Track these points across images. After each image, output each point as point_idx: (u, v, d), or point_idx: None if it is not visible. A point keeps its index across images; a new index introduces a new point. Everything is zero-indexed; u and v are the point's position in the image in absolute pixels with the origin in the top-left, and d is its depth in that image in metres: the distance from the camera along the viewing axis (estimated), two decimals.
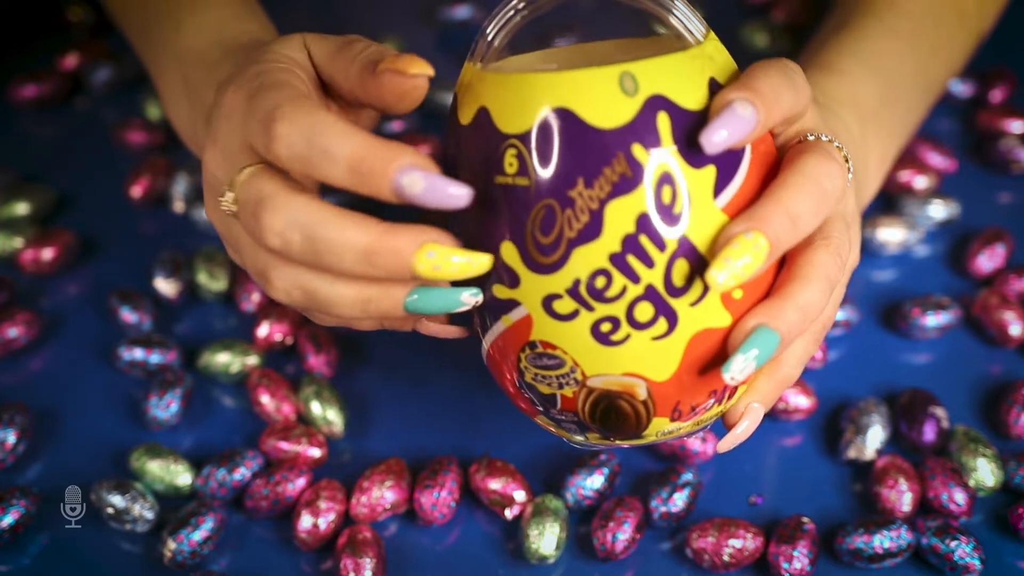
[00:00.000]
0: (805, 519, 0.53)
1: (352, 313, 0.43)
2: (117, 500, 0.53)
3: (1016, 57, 0.76)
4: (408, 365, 0.61)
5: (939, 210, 0.67)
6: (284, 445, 0.56)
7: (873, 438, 0.56)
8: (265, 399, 0.58)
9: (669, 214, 0.41)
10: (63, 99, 0.76)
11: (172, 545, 0.52)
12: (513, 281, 0.43)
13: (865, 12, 0.60)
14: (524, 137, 0.42)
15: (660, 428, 0.45)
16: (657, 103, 0.41)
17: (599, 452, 0.54)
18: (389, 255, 0.41)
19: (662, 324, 0.42)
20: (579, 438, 0.47)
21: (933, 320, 0.61)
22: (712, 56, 0.44)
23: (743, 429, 0.46)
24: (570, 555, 0.54)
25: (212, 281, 0.63)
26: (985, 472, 0.55)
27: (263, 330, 0.61)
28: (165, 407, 0.58)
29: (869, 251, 0.66)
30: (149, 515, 0.54)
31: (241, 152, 0.44)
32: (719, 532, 0.52)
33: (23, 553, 0.54)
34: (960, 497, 0.54)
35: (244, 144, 0.44)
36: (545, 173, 0.42)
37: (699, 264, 0.42)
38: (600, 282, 0.42)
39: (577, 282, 0.42)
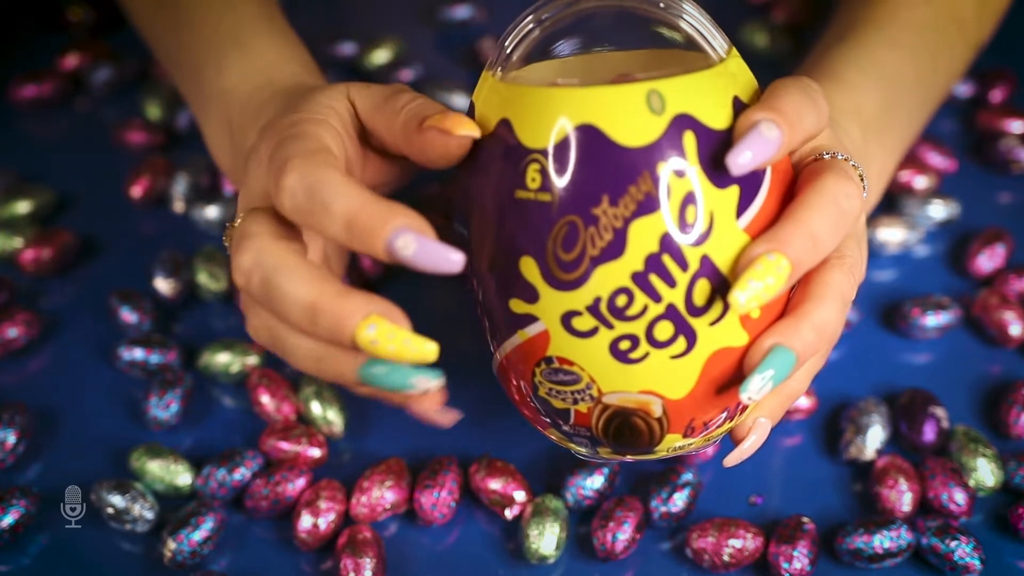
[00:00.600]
0: (805, 519, 0.53)
1: (306, 367, 0.44)
2: (117, 500, 0.53)
3: (1016, 57, 0.76)
4: None
5: (939, 210, 0.67)
6: (284, 445, 0.56)
7: (873, 438, 0.56)
8: (265, 399, 0.58)
9: (692, 234, 0.41)
10: (63, 99, 0.76)
11: (172, 545, 0.52)
12: (532, 296, 0.43)
13: (866, 22, 0.60)
14: (548, 152, 0.42)
15: (672, 444, 0.46)
16: (683, 122, 0.41)
17: (602, 464, 0.54)
18: (330, 318, 0.41)
19: (681, 343, 0.42)
20: (585, 451, 0.47)
21: (933, 320, 0.61)
22: (735, 74, 0.44)
23: (750, 444, 0.47)
24: (570, 555, 0.54)
25: (212, 281, 0.63)
26: (985, 472, 0.55)
27: None
28: (165, 407, 0.58)
29: (869, 251, 0.66)
30: (149, 515, 0.54)
31: (261, 198, 0.46)
32: (719, 532, 0.52)
33: (23, 553, 0.54)
34: (960, 497, 0.54)
35: (264, 191, 0.45)
36: (569, 190, 0.41)
37: (720, 284, 0.42)
38: (621, 300, 0.42)
39: (598, 300, 0.42)
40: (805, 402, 0.58)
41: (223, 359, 0.60)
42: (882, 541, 0.52)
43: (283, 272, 0.42)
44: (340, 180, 0.42)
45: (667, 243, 0.41)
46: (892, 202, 0.68)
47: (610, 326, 0.42)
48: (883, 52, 0.59)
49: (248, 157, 0.47)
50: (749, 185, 0.42)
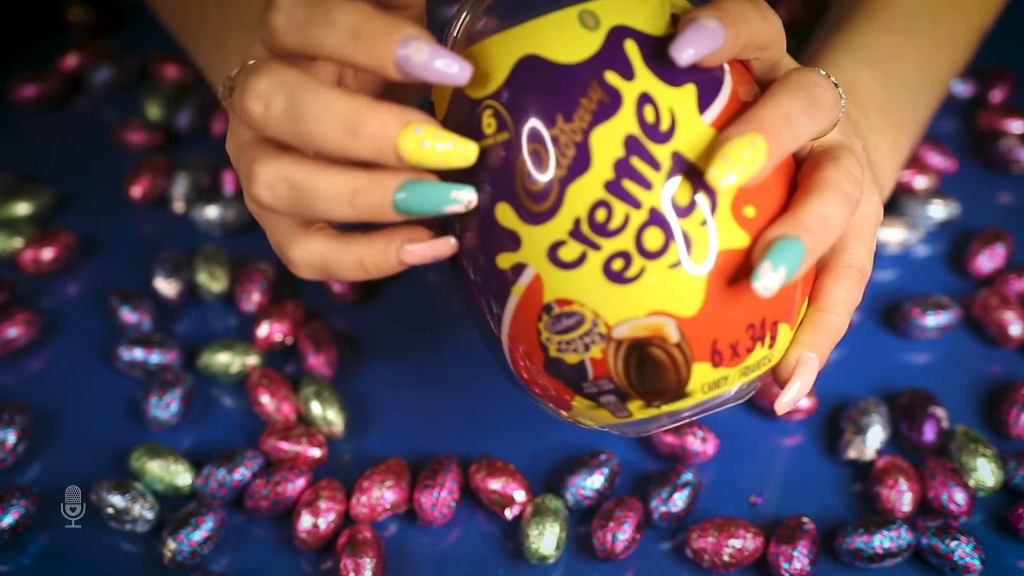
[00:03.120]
0: (805, 519, 0.53)
1: (338, 208, 0.41)
2: (117, 500, 0.53)
3: (1016, 57, 0.76)
4: (408, 365, 0.61)
5: (939, 210, 0.67)
6: (284, 445, 0.56)
7: (873, 438, 0.56)
8: (265, 399, 0.58)
9: (656, 132, 0.41)
10: (63, 99, 0.76)
11: (172, 545, 0.52)
12: (515, 243, 0.42)
13: (856, 11, 0.61)
14: (497, 95, 0.42)
15: (704, 380, 0.43)
16: (622, 32, 0.42)
17: (647, 432, 0.48)
18: (374, 124, 0.39)
19: (675, 249, 0.41)
20: (616, 419, 0.45)
21: (933, 320, 0.61)
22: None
23: (799, 386, 0.44)
24: (570, 555, 0.54)
25: (212, 281, 0.63)
26: (985, 472, 0.55)
27: (263, 330, 0.61)
28: (165, 407, 0.58)
29: None
30: (149, 515, 0.54)
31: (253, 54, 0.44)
32: (719, 532, 0.52)
33: (23, 553, 0.54)
34: (960, 497, 0.54)
35: (261, 50, 0.43)
36: (524, 121, 0.41)
37: (700, 182, 0.41)
38: (601, 215, 0.41)
39: (578, 221, 0.41)
40: (805, 402, 0.58)
41: (223, 359, 0.60)
42: (882, 541, 0.52)
43: (310, 87, 0.39)
44: None
45: (632, 145, 0.41)
46: (892, 202, 0.68)
47: (597, 247, 0.41)
48: (874, 37, 0.59)
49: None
50: (707, 84, 0.42)
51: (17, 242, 0.66)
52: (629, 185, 0.41)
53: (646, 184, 0.41)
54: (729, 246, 0.42)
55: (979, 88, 0.75)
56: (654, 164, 0.41)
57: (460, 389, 0.59)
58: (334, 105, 0.39)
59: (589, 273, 0.41)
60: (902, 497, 0.54)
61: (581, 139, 0.41)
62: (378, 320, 0.63)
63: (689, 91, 0.42)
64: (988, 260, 0.64)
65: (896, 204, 0.67)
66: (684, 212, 0.41)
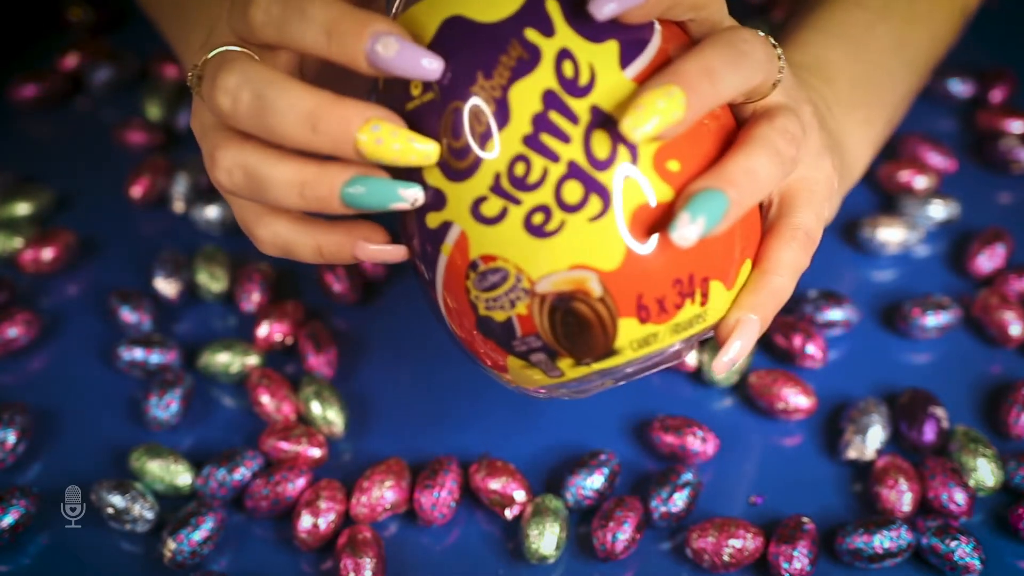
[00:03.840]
0: (805, 519, 0.53)
1: (287, 197, 0.42)
2: (117, 500, 0.53)
3: (1016, 57, 0.76)
4: (408, 365, 0.61)
5: (939, 210, 0.67)
6: (284, 445, 0.56)
7: (873, 438, 0.56)
8: (265, 399, 0.58)
9: (575, 87, 0.41)
10: (63, 99, 0.76)
11: (172, 545, 0.52)
12: (440, 201, 0.42)
13: None
14: None
15: (632, 336, 0.43)
16: None
17: (585, 393, 0.48)
18: (334, 120, 0.40)
19: (595, 202, 0.41)
20: (549, 378, 0.45)
21: (933, 320, 0.61)
22: None
23: (738, 346, 0.44)
24: (570, 555, 0.54)
25: (212, 281, 0.63)
26: (985, 472, 0.55)
27: (263, 330, 0.61)
28: (165, 407, 0.58)
29: (869, 251, 0.66)
30: (149, 515, 0.54)
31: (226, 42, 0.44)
32: (719, 532, 0.52)
33: (23, 553, 0.54)
34: (960, 497, 0.54)
35: (235, 35, 0.44)
36: (446, 79, 0.42)
37: (619, 135, 0.41)
38: (520, 169, 0.41)
39: (498, 176, 0.41)
40: (805, 402, 0.58)
41: (223, 359, 0.60)
42: (882, 541, 0.52)
43: (275, 84, 0.40)
44: None
45: (550, 99, 0.41)
46: (892, 202, 0.68)
47: (517, 201, 0.41)
48: (847, 13, 0.59)
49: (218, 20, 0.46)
50: (632, 40, 0.42)
51: (17, 242, 0.66)
52: (547, 139, 0.41)
53: (564, 137, 0.41)
54: (651, 200, 0.41)
55: (979, 88, 0.75)
56: (572, 118, 0.41)
57: (460, 389, 0.59)
58: (297, 102, 0.40)
59: (511, 228, 0.42)
60: (902, 497, 0.54)
61: (500, 95, 0.41)
62: (378, 320, 0.63)
63: (611, 47, 0.42)
64: (988, 260, 0.64)
65: (896, 204, 0.67)
66: (603, 165, 0.41)
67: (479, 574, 0.53)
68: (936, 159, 0.70)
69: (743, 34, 0.42)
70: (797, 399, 0.58)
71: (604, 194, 0.41)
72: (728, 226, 0.41)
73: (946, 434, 0.57)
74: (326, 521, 0.53)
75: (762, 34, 0.44)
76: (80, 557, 0.54)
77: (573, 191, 0.41)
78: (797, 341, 0.60)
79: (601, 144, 0.41)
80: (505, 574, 0.53)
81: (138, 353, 0.60)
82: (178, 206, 0.68)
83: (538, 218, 0.41)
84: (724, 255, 0.43)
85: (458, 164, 0.42)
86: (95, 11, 0.80)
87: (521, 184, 0.41)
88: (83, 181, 0.71)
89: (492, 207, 0.42)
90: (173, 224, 0.68)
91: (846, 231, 0.67)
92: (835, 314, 0.61)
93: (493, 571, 0.53)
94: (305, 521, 0.53)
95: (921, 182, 0.68)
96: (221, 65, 0.42)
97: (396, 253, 0.45)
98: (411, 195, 0.42)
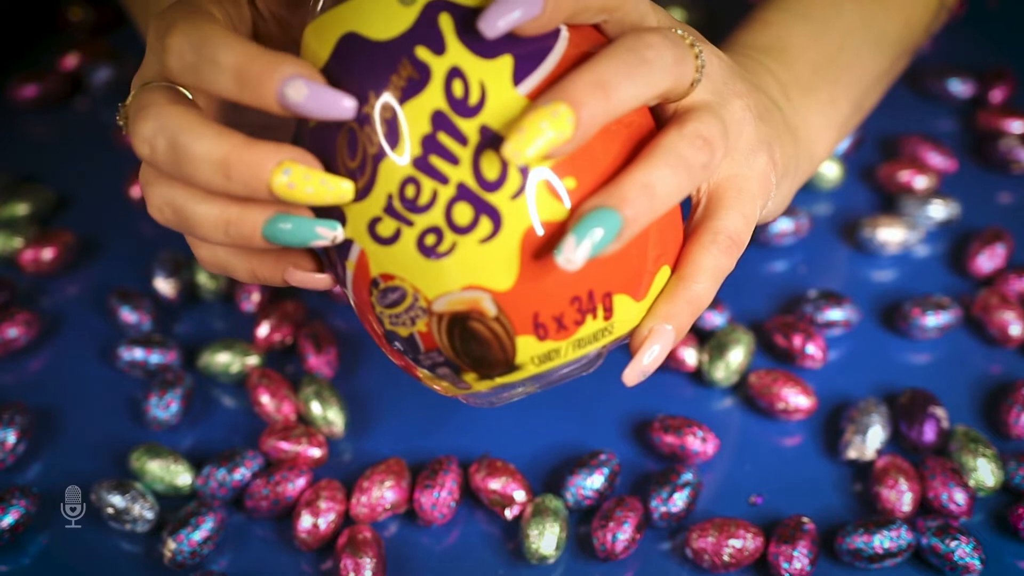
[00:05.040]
0: (805, 519, 0.53)
1: (213, 235, 0.42)
2: (117, 500, 0.53)
3: (1016, 57, 0.76)
4: None
5: (939, 210, 0.67)
6: (284, 445, 0.56)
7: (873, 438, 0.56)
8: (265, 399, 0.58)
9: (464, 106, 0.41)
10: (63, 99, 0.76)
11: (172, 545, 0.52)
12: (341, 219, 0.42)
13: None
14: (322, 74, 0.42)
15: (532, 352, 0.42)
16: (437, 6, 0.41)
17: (502, 401, 0.48)
18: (244, 167, 0.40)
19: (485, 224, 0.41)
20: (455, 388, 0.45)
21: (933, 320, 0.61)
22: None
23: (651, 355, 0.43)
24: (570, 555, 0.54)
25: (212, 281, 0.63)
26: (985, 472, 0.55)
27: (263, 330, 0.61)
28: (165, 407, 0.58)
29: (869, 251, 0.66)
30: (149, 515, 0.54)
31: (154, 79, 0.44)
32: (719, 532, 0.52)
33: (23, 553, 0.54)
34: (960, 497, 0.54)
35: (156, 71, 0.44)
36: None
37: None
38: (410, 191, 0.41)
39: (390, 197, 0.41)
40: (805, 402, 0.58)
41: (223, 359, 0.60)
42: (882, 541, 0.52)
43: (188, 131, 0.41)
44: (225, 34, 0.41)
45: (439, 120, 0.41)
46: (892, 202, 0.68)
47: (409, 223, 0.41)
48: None
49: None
50: (529, 53, 0.41)
51: (17, 242, 0.66)
52: (436, 161, 0.41)
53: (453, 159, 0.41)
54: (544, 219, 0.41)
55: (979, 88, 0.75)
56: (461, 139, 0.41)
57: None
58: (211, 149, 0.40)
59: (405, 249, 0.42)
60: (902, 497, 0.54)
61: (391, 116, 0.41)
62: None
63: (504, 63, 0.41)
64: (988, 260, 0.64)
65: (896, 204, 0.67)
66: (493, 186, 0.41)
67: (479, 574, 0.53)
68: (936, 159, 0.70)
69: (648, 38, 0.41)
70: (797, 399, 0.58)
71: (495, 215, 0.41)
72: (622, 245, 0.41)
73: (946, 434, 0.57)
74: (326, 521, 0.53)
75: (680, 32, 0.43)
76: (80, 557, 0.54)
77: (463, 213, 0.41)
78: (797, 341, 0.60)
79: (491, 165, 0.41)
80: (505, 574, 0.53)
81: (138, 353, 0.60)
82: None
83: (430, 239, 0.41)
84: (630, 267, 0.42)
85: (355, 184, 0.42)
86: (95, 11, 0.80)
87: (412, 206, 0.41)
88: (83, 181, 0.71)
89: (387, 228, 0.42)
90: None
91: (846, 231, 0.67)
92: (835, 314, 0.61)
93: (493, 571, 0.53)
94: (305, 521, 0.53)
95: (921, 182, 0.68)
96: (139, 110, 0.42)
97: (322, 282, 0.45)
98: (329, 234, 0.42)
